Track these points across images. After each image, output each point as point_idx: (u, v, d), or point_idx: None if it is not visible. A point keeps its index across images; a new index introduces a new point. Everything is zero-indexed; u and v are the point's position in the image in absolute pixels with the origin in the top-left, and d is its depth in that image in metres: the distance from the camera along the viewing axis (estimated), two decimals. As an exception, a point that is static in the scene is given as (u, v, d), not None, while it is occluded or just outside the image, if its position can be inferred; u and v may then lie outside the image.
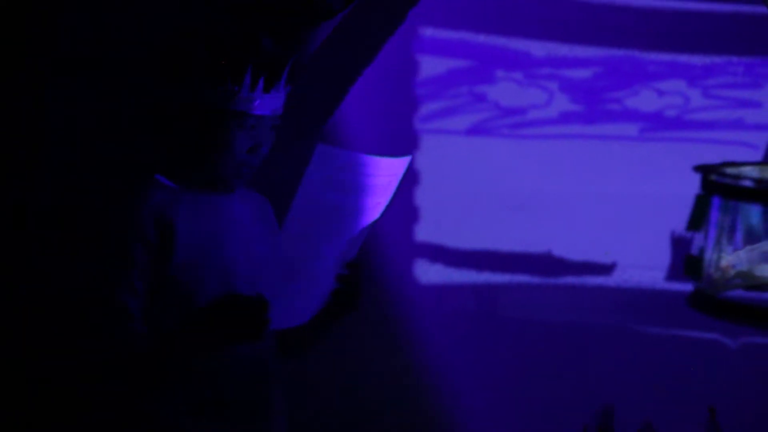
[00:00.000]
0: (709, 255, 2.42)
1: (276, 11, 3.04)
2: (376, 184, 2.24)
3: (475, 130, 4.06)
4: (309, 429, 3.42)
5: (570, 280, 3.98)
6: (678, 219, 3.92)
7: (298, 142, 3.44)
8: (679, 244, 3.91)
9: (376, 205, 2.25)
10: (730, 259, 2.52)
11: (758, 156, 3.85)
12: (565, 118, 4.01)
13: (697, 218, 2.36)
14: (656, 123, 3.96)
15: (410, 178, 3.93)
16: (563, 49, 3.99)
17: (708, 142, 3.93)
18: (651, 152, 3.95)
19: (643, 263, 3.94)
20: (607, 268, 3.98)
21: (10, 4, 3.01)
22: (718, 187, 2.33)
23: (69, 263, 2.54)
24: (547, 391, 3.81)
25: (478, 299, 4.02)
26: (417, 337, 3.88)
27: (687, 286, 3.91)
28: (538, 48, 4.01)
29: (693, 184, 3.86)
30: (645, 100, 3.96)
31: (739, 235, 2.54)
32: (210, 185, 2.42)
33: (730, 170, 2.46)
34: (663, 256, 3.94)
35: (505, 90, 4.04)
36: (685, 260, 2.46)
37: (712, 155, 3.91)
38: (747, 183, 2.27)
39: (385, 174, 2.25)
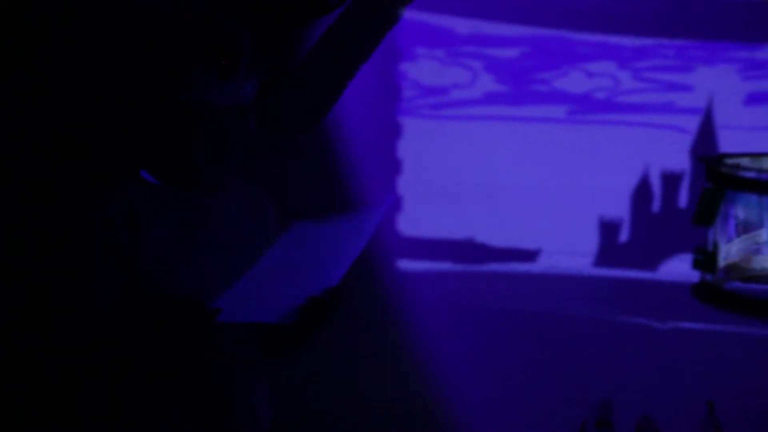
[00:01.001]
0: (711, 247, 2.33)
1: (275, 7, 2.93)
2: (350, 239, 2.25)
3: (398, 111, 3.90)
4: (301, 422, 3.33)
5: (494, 267, 3.87)
6: (606, 204, 3.87)
7: (298, 137, 3.28)
8: (607, 230, 3.85)
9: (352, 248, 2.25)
10: (723, 250, 2.43)
11: (689, 140, 3.82)
12: (489, 98, 3.88)
13: (708, 212, 2.25)
14: (585, 105, 3.87)
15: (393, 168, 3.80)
16: (489, 27, 3.86)
17: (638, 125, 3.86)
18: (580, 135, 3.86)
19: (570, 249, 3.86)
20: (532, 255, 3.88)
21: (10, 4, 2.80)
22: (731, 180, 2.22)
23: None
24: (542, 385, 3.72)
25: (402, 286, 3.87)
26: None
27: (614, 272, 3.87)
28: (461, 25, 3.87)
29: (622, 168, 3.82)
30: (573, 81, 3.87)
31: (732, 226, 2.44)
32: (188, 181, 2.28)
33: (729, 161, 2.36)
34: (590, 242, 3.87)
35: (426, 68, 3.89)
36: (696, 254, 2.34)
37: (642, 139, 3.87)
38: (756, 175, 2.18)
39: (361, 232, 2.25)
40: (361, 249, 2.27)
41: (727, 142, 3.69)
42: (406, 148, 3.86)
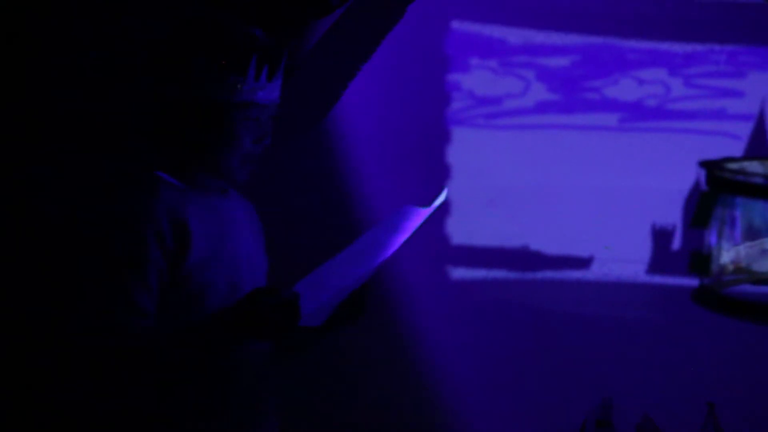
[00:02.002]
0: (706, 251, 2.31)
1: (276, 7, 3.00)
2: (405, 227, 2.35)
3: (448, 120, 3.94)
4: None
5: (549, 274, 3.87)
6: (658, 212, 3.85)
7: (296, 137, 3.35)
8: (660, 237, 3.83)
9: (392, 244, 2.34)
10: (730, 254, 2.41)
11: (741, 146, 3.77)
12: (542, 107, 3.90)
13: (704, 216, 2.24)
14: (636, 113, 3.86)
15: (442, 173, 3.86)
16: (540, 37, 3.87)
17: (689, 133, 3.83)
18: (631, 143, 3.85)
19: (623, 257, 3.85)
20: (586, 262, 3.87)
21: (10, 4, 2.94)
22: (725, 183, 2.20)
23: (70, 263, 2.47)
24: (543, 385, 3.72)
25: (455, 295, 3.91)
26: (408, 332, 3.77)
27: (669, 280, 3.84)
28: (513, 35, 3.89)
29: (674, 176, 3.78)
30: (625, 89, 3.86)
31: (739, 231, 2.42)
32: (213, 183, 2.36)
33: (732, 165, 2.33)
34: (643, 249, 3.84)
35: (480, 78, 3.92)
36: (692, 257, 2.34)
37: (693, 146, 3.83)
38: (757, 180, 2.15)
39: (415, 221, 2.35)
40: (404, 239, 2.35)
41: (780, 148, 3.64)
42: (458, 157, 3.90)
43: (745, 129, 3.78)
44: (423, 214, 2.37)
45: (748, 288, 2.37)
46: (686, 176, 3.79)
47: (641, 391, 3.53)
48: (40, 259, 3.02)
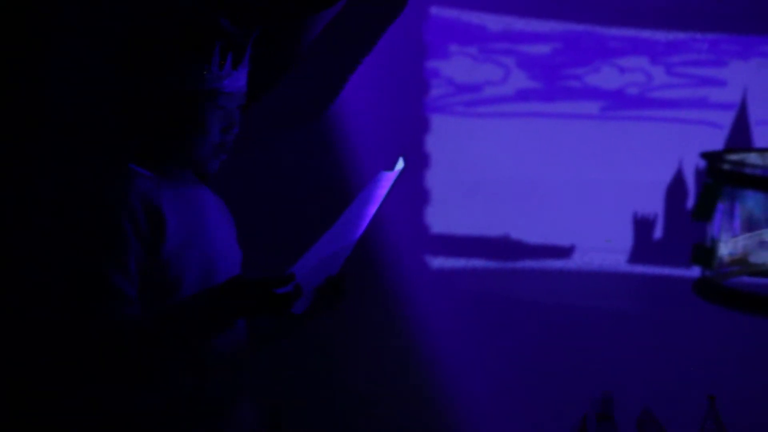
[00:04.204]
0: (709, 243, 2.31)
1: (276, 1, 2.98)
2: (375, 196, 2.35)
3: (427, 108, 3.90)
4: (306, 418, 3.37)
5: (529, 264, 3.85)
6: (640, 201, 3.83)
7: (297, 130, 3.32)
8: (640, 227, 3.81)
9: (367, 215, 2.34)
10: (728, 246, 2.40)
11: (723, 135, 3.76)
12: (522, 95, 3.87)
13: (707, 208, 2.23)
14: (618, 101, 3.83)
15: (421, 162, 3.82)
16: (520, 23, 3.84)
17: (671, 121, 3.81)
18: (612, 131, 3.83)
19: (604, 246, 3.83)
20: (567, 251, 3.86)
21: (9, 4, 2.90)
22: (728, 175, 2.19)
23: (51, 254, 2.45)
24: (538, 377, 3.71)
25: (435, 284, 3.88)
26: (386, 321, 3.74)
27: (650, 269, 3.83)
28: (493, 22, 3.85)
29: (655, 165, 3.77)
30: (606, 77, 3.83)
31: (738, 222, 2.41)
32: (185, 174, 2.39)
33: (733, 157, 2.33)
34: (625, 239, 3.83)
35: (459, 66, 3.88)
36: (695, 250, 2.33)
37: (675, 135, 3.82)
38: (760, 172, 2.15)
39: (383, 187, 2.36)
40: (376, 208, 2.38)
41: (762, 138, 3.64)
42: (438, 145, 3.86)
43: (726, 118, 3.77)
44: (390, 177, 2.40)
45: (748, 279, 2.36)
46: (668, 165, 3.78)
47: (641, 385, 3.53)
48: (27, 258, 2.99)
